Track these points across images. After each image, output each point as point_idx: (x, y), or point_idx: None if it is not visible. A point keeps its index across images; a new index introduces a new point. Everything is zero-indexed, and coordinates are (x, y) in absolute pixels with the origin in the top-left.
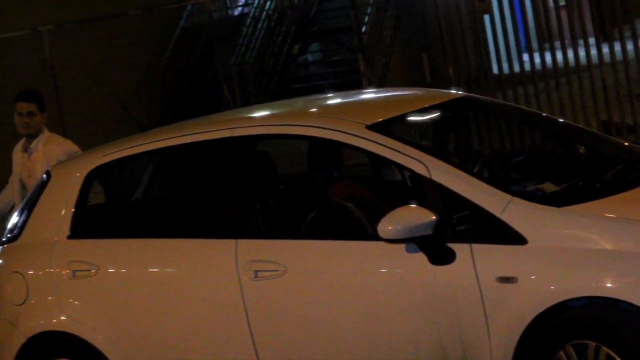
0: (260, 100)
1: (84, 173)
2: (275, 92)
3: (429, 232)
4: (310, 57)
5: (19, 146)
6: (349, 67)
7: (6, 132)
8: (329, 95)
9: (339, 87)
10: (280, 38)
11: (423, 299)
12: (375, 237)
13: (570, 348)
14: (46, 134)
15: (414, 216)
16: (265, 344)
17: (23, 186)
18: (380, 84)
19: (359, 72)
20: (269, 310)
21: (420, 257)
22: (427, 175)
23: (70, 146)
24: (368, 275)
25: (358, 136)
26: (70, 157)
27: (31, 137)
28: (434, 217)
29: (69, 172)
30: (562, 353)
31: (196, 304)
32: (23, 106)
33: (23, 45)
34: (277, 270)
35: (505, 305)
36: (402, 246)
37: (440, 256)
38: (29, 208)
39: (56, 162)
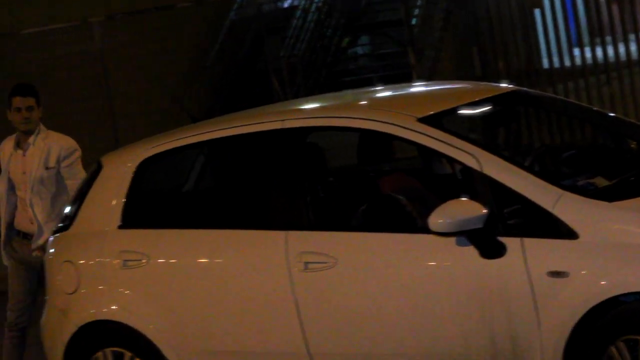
0: (309, 93)
1: (136, 163)
2: (324, 85)
3: (480, 225)
4: (359, 50)
5: (9, 143)
6: (398, 60)
7: (54, 123)
8: (379, 88)
9: (388, 80)
10: (329, 31)
11: (473, 293)
12: (426, 230)
13: (622, 343)
14: (44, 129)
15: (465, 209)
16: (315, 334)
17: (12, 186)
18: (429, 78)
19: (409, 65)
20: (319, 301)
21: (471, 251)
22: (479, 169)
23: (69, 142)
24: (418, 268)
25: (409, 129)
26: (70, 154)
27: (28, 133)
28: (484, 211)
29: (120, 162)
30: (613, 349)
31: (246, 294)
32: (21, 101)
33: (74, 36)
34: (327, 262)
35: (556, 300)
36: (453, 239)
37: (491, 250)
38: (80, 198)
39: (56, 158)
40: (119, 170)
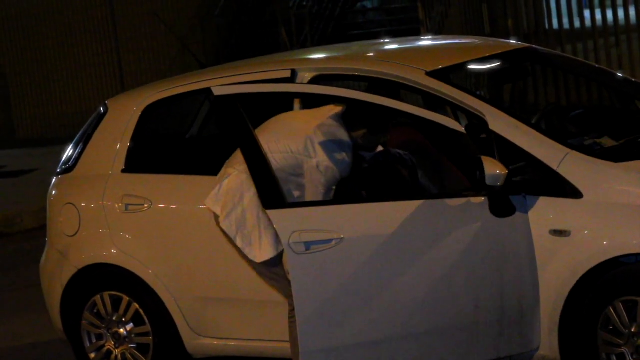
0: (317, 45)
1: (142, 107)
2: (331, 37)
3: (502, 183)
4: (368, 4)
5: None
6: (406, 15)
7: (60, 68)
8: (387, 41)
9: (396, 35)
10: None
11: (484, 253)
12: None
13: (620, 304)
14: None
15: (493, 166)
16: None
17: None
18: (438, 33)
19: (417, 20)
20: (325, 281)
21: (482, 211)
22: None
23: None
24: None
25: (418, 82)
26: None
27: None
28: (506, 170)
29: (126, 105)
30: (611, 309)
31: None
32: None
33: None
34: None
35: (558, 258)
36: (466, 201)
37: (504, 209)
38: (84, 140)
39: None
40: (125, 114)
